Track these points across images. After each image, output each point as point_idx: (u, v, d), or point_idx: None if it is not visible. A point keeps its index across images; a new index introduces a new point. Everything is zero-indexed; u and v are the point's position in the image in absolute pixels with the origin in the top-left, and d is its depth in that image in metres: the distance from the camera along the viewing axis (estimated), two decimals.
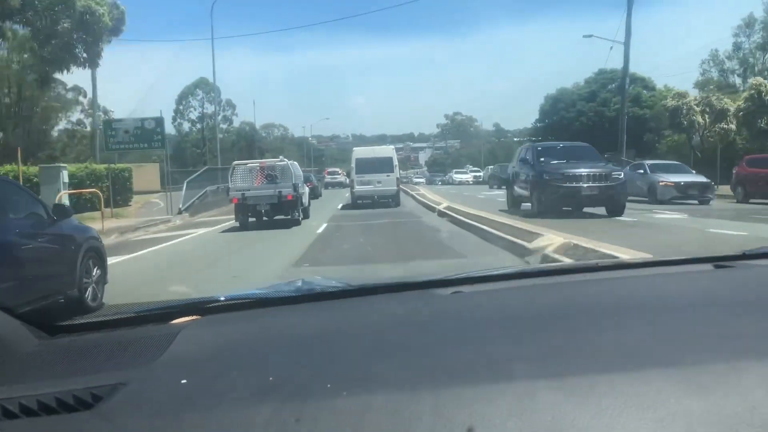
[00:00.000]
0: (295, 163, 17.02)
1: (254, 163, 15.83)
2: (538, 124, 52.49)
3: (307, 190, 17.70)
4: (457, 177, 51.01)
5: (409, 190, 28.76)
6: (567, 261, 4.94)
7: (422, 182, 61.74)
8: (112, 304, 1.92)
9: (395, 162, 21.50)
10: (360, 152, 22.53)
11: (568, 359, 0.80)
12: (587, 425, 0.67)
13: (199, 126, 76.60)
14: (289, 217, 15.11)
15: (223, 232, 14.60)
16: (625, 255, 5.66)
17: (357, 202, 20.77)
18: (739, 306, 1.03)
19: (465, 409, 0.70)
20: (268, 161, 16.00)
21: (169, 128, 73.98)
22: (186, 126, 76.81)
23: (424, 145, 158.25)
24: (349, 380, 0.79)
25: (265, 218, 15.05)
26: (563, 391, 0.72)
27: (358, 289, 1.44)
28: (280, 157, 16.02)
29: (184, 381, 0.85)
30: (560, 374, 0.75)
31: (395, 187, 21.02)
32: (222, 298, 1.36)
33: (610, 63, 51.13)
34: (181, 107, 77.05)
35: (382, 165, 21.16)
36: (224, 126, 76.59)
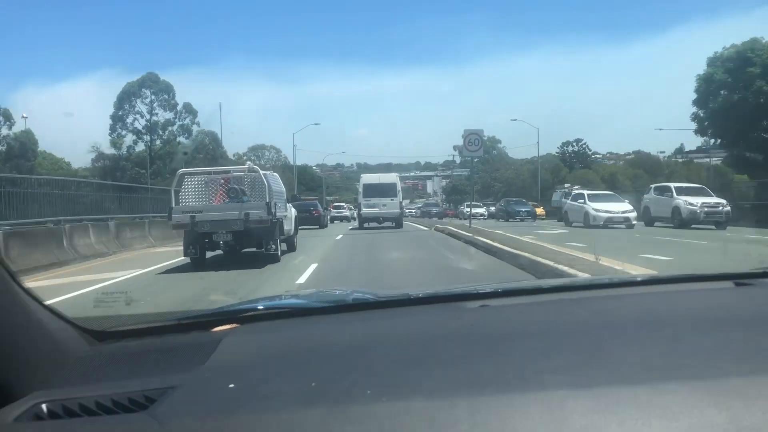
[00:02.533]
0: (275, 174, 12.25)
1: (212, 174, 10.75)
2: (698, 112, 31.99)
3: (292, 213, 12.80)
4: (598, 209, 22.90)
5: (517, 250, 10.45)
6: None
7: (482, 215, 42.11)
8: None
9: (399, 188, 25.43)
10: (367, 178, 26.58)
11: (595, 371, 0.88)
12: None
13: (147, 138, 62.67)
14: (262, 250, 11.26)
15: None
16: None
17: (363, 225, 24.70)
18: (759, 323, 1.11)
19: (499, 417, 0.78)
20: (234, 169, 10.99)
21: (104, 141, 60.33)
22: (129, 139, 62.73)
23: (431, 173, 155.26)
24: (387, 387, 0.87)
25: (226, 251, 11.44)
26: (591, 402, 0.78)
27: (390, 301, 1.56)
28: (248, 163, 11.02)
29: (231, 385, 0.93)
30: (588, 385, 0.82)
31: (398, 210, 24.91)
32: (260, 307, 1.48)
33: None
34: (121, 113, 63.05)
35: (387, 190, 24.73)
36: (182, 138, 64.11)
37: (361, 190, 25.65)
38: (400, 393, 0.85)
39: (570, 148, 70.85)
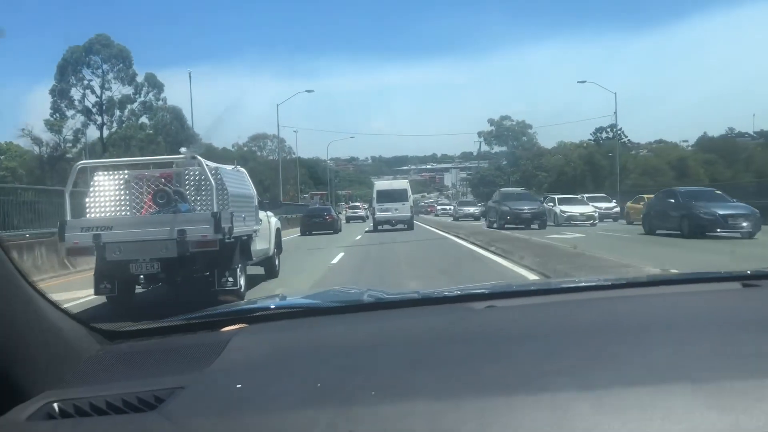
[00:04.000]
0: (240, 170, 8.20)
1: (135, 168, 6.56)
2: None
3: (271, 224, 10.41)
4: None
5: None
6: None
7: (591, 218, 26.25)
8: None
9: (409, 193, 28.57)
10: (380, 185, 30.03)
11: (599, 374, 0.91)
12: None
13: (98, 119, 48.34)
14: (214, 285, 7.39)
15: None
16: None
17: (377, 228, 27.36)
18: (765, 325, 1.14)
19: (504, 419, 0.81)
20: (173, 161, 6.89)
21: (39, 125, 45.84)
22: (76, 120, 48.16)
23: (449, 165, 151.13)
24: (392, 389, 0.91)
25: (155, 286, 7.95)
26: (594, 404, 0.82)
27: (397, 302, 1.63)
28: (183, 150, 6.82)
29: (239, 385, 0.97)
30: (591, 387, 0.86)
31: (409, 214, 27.65)
32: (272, 306, 1.55)
33: None
34: (64, 85, 48.61)
35: (398, 196, 27.57)
36: (145, 119, 49.96)
37: (374, 195, 28.73)
38: (405, 394, 0.88)
39: (604, 135, 65.33)
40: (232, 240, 7.50)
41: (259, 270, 10.21)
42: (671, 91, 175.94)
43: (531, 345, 1.08)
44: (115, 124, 48.42)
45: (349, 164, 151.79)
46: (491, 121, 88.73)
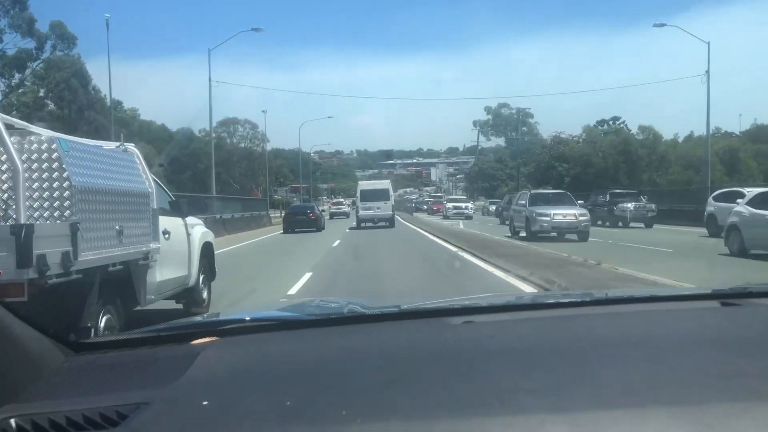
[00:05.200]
0: (130, 150, 4.11)
1: None
2: None
3: (193, 237, 6.93)
4: None
5: None
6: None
7: None
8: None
9: (391, 192, 31.71)
10: (363, 185, 32.85)
11: (574, 393, 0.91)
12: None
13: None
14: None
15: None
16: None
17: (361, 225, 29.76)
18: (743, 346, 1.14)
19: None
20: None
21: None
22: None
23: (435, 160, 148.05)
24: (363, 408, 0.90)
25: None
26: (568, 425, 0.81)
27: (372, 316, 1.60)
28: None
29: (205, 402, 0.95)
30: (566, 408, 0.85)
31: (390, 212, 30.35)
32: (246, 318, 1.51)
33: None
34: None
35: (381, 195, 30.14)
36: (41, 90, 35.11)
37: (358, 195, 31.13)
38: (377, 414, 0.86)
39: (605, 127, 61.59)
40: (79, 276, 4.03)
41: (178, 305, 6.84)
42: (660, 85, 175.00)
43: (506, 362, 1.07)
44: (3, 87, 34.56)
45: (334, 158, 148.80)
46: (488, 109, 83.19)
